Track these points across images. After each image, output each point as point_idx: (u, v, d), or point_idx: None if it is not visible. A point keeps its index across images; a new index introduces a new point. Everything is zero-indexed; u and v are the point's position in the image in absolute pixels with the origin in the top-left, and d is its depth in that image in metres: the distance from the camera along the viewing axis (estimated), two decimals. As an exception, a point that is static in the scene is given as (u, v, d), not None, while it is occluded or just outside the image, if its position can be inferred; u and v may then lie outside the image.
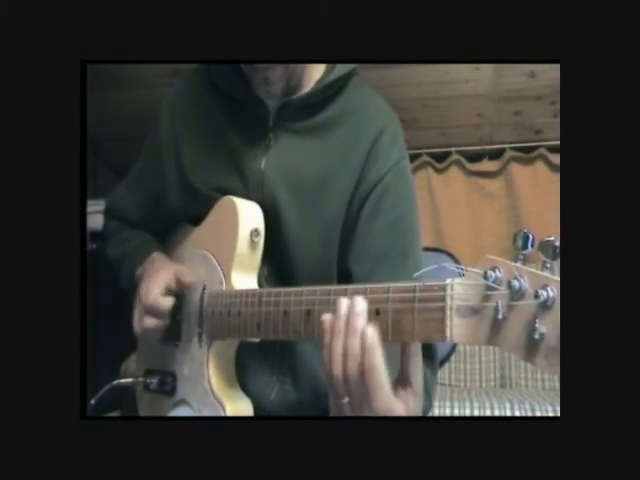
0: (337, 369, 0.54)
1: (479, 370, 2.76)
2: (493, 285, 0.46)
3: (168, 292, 0.79)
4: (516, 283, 0.44)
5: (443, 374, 2.77)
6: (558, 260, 0.44)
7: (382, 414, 0.53)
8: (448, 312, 0.49)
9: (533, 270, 0.44)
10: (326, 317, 0.56)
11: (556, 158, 2.90)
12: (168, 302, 0.78)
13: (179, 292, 0.80)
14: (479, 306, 0.48)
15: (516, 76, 2.63)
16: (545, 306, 0.43)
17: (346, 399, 0.54)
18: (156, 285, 0.78)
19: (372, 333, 0.53)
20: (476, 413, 2.20)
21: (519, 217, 2.95)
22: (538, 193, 2.93)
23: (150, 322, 0.78)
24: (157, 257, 0.86)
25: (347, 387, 0.54)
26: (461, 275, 0.50)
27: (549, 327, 0.42)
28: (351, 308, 0.55)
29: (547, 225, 2.66)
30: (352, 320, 0.54)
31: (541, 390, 2.66)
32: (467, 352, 2.78)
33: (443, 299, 0.50)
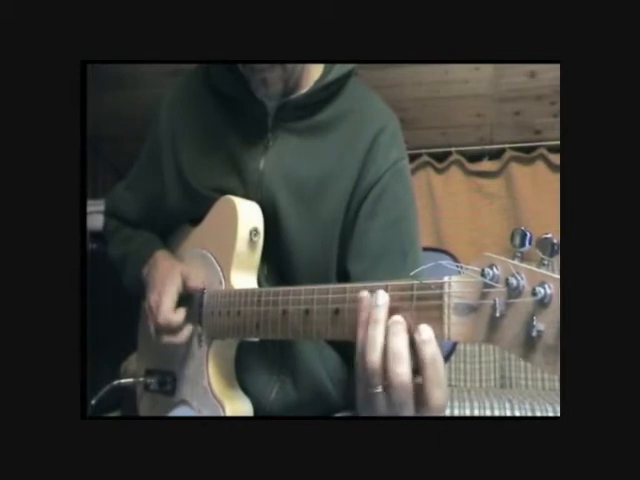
0: (374, 357, 0.51)
1: (479, 370, 2.76)
2: (490, 283, 0.46)
3: (179, 302, 0.78)
4: (513, 280, 0.44)
5: (443, 374, 2.77)
6: (555, 257, 0.44)
7: (440, 404, 0.51)
8: (446, 310, 0.49)
9: (530, 267, 0.44)
10: (365, 294, 0.54)
11: (556, 158, 2.90)
12: (179, 317, 0.77)
13: (186, 294, 0.80)
14: (477, 304, 0.47)
15: (516, 76, 2.63)
16: (542, 303, 0.43)
17: (379, 388, 0.52)
18: (167, 299, 0.76)
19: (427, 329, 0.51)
20: (476, 413, 2.20)
21: (519, 217, 2.95)
22: (538, 193, 2.93)
23: (166, 339, 0.77)
24: (160, 257, 0.85)
25: (388, 391, 0.51)
26: (458, 273, 0.50)
27: (547, 324, 0.42)
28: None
29: (547, 225, 2.66)
30: (394, 321, 0.52)
31: (541, 390, 2.66)
32: (467, 352, 2.78)
33: (441, 297, 0.50)
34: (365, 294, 0.54)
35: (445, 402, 0.51)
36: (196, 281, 0.79)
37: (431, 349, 0.49)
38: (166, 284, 0.78)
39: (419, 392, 0.50)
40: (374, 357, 0.51)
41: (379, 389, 0.52)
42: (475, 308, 0.48)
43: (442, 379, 0.50)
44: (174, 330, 0.76)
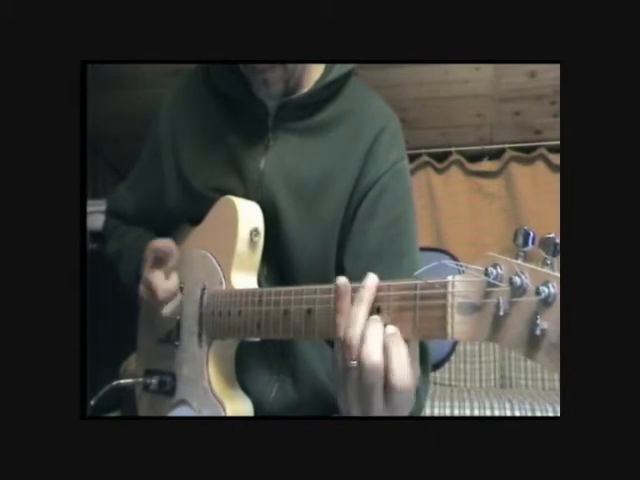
0: (356, 332, 0.54)
1: (479, 370, 2.76)
2: (494, 282, 0.46)
3: (165, 271, 0.81)
4: (517, 280, 0.44)
5: (443, 374, 2.78)
6: (558, 257, 0.44)
7: (406, 380, 0.53)
8: (449, 309, 0.49)
9: (534, 267, 0.44)
10: (343, 280, 0.57)
11: (556, 158, 2.90)
12: (174, 281, 0.80)
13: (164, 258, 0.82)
14: (480, 303, 0.48)
15: (516, 76, 2.63)
16: (546, 302, 0.43)
17: (354, 362, 0.54)
18: (153, 276, 0.79)
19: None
20: (476, 413, 2.21)
21: (519, 217, 2.95)
22: (538, 193, 2.93)
23: (168, 308, 0.80)
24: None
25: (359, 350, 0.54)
26: (461, 272, 0.50)
27: (550, 323, 0.43)
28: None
29: (547, 225, 2.65)
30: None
31: (541, 390, 2.67)
32: (467, 352, 2.78)
33: (444, 296, 0.50)
34: (343, 280, 0.57)
35: (411, 384, 0.53)
36: (161, 242, 0.81)
37: (395, 337, 0.53)
38: (146, 262, 0.81)
39: (385, 373, 0.52)
40: (354, 332, 0.54)
41: (354, 363, 0.53)
42: (479, 307, 0.48)
43: (405, 360, 0.52)
44: (175, 293, 0.80)
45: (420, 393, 0.74)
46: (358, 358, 0.53)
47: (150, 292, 0.79)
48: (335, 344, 0.57)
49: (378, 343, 0.53)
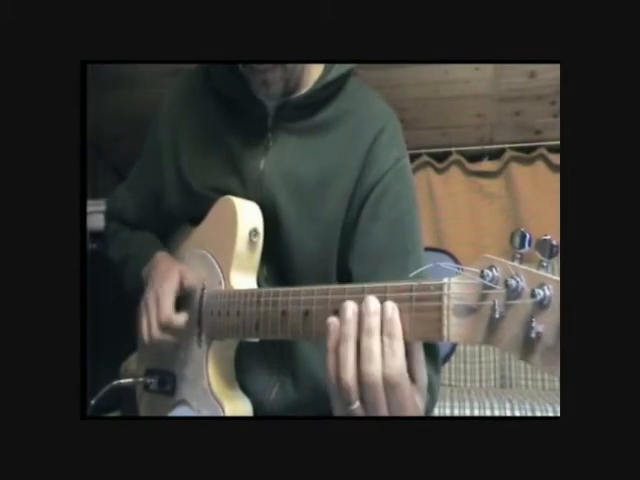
0: (348, 376, 0.51)
1: (479, 370, 2.76)
2: (490, 284, 0.46)
3: (179, 303, 0.78)
4: (513, 282, 0.44)
5: (443, 374, 2.77)
6: (555, 259, 0.44)
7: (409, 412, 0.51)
8: (445, 311, 0.49)
9: (530, 269, 0.44)
10: (332, 320, 0.54)
11: (556, 158, 2.90)
12: (182, 319, 0.76)
13: (185, 293, 0.80)
14: (476, 305, 0.47)
15: (516, 76, 2.63)
16: (542, 305, 0.43)
17: (357, 404, 0.52)
18: (167, 297, 0.76)
19: (398, 330, 0.51)
20: (476, 413, 2.20)
21: (519, 217, 2.95)
22: (538, 193, 2.93)
23: (164, 337, 0.76)
24: (162, 258, 0.85)
25: (361, 392, 0.51)
26: (458, 274, 0.50)
27: (546, 326, 0.42)
28: (365, 308, 0.52)
29: (547, 225, 2.66)
30: (367, 321, 0.52)
31: (541, 390, 2.66)
32: (467, 352, 2.78)
33: (440, 298, 0.50)
34: (333, 320, 0.54)
35: (403, 375, 0.51)
36: (193, 280, 0.79)
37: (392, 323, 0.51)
38: (164, 282, 0.78)
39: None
40: (348, 375, 0.51)
41: (356, 405, 0.52)
42: (474, 309, 0.48)
43: (398, 355, 0.51)
44: (174, 330, 0.76)
45: (433, 388, 0.75)
46: (358, 397, 0.51)
47: (154, 307, 0.76)
48: (328, 385, 0.54)
49: (375, 356, 0.50)
